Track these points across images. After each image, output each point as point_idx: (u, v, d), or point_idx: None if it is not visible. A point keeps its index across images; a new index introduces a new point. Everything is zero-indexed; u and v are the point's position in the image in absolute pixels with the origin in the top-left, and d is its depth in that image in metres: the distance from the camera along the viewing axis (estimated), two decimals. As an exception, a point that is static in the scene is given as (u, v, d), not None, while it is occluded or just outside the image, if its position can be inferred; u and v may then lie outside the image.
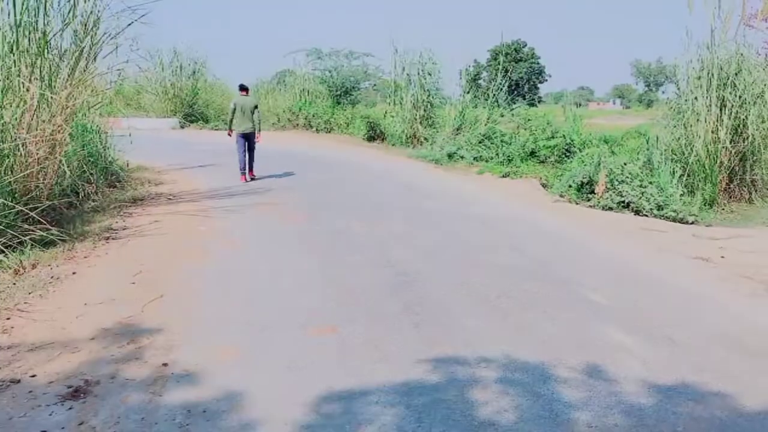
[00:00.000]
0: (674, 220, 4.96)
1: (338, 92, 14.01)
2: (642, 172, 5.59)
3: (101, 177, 5.47)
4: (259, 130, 6.78)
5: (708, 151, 5.62)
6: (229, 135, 6.83)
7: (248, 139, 6.72)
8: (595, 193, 5.49)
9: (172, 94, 15.50)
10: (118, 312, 2.64)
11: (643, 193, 5.25)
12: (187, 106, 15.60)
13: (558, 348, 2.34)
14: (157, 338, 2.39)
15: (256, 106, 6.83)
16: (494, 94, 10.19)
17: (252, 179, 6.74)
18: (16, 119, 3.83)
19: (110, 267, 3.35)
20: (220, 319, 2.65)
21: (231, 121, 6.74)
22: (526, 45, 43.44)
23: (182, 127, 14.96)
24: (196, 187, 5.97)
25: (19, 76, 3.93)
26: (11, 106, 3.84)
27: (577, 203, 5.55)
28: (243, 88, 6.98)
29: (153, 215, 4.54)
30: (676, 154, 5.95)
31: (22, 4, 3.92)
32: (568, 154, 7.72)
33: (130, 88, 14.54)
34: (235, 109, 6.71)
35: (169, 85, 15.47)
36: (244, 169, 6.66)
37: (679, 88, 6.33)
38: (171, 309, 2.73)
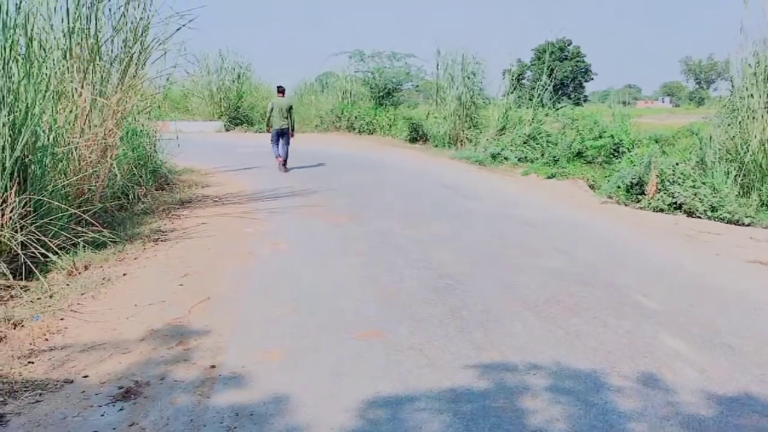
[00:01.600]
0: (729, 222, 4.78)
1: (380, 94, 14.03)
2: (694, 173, 5.41)
3: (150, 179, 5.60)
4: (293, 128, 7.79)
5: (765, 149, 5.39)
6: (268, 131, 7.83)
7: (283, 135, 7.68)
8: (645, 195, 5.34)
9: (218, 97, 15.84)
10: (167, 313, 2.68)
11: (695, 194, 5.07)
12: (232, 109, 15.89)
13: (610, 355, 2.26)
14: (204, 340, 2.41)
15: (291, 107, 7.82)
16: (539, 94, 10.03)
17: (286, 170, 7.60)
18: (69, 124, 3.95)
19: (159, 268, 3.40)
20: (265, 321, 2.66)
21: (269, 119, 7.72)
22: (571, 43, 42.74)
23: (227, 129, 15.24)
24: (241, 189, 6.05)
25: (72, 81, 4.05)
26: (65, 111, 3.96)
27: (626, 205, 5.40)
28: (280, 90, 7.92)
29: (200, 217, 4.61)
30: (730, 154, 5.73)
31: (75, 11, 4.05)
32: (616, 154, 7.53)
33: (178, 92, 14.87)
34: (272, 108, 7.67)
35: (215, 89, 15.79)
36: (279, 155, 7.66)
37: (733, 85, 6.10)
38: (218, 311, 2.76)
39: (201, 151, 8.42)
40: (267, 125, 7.83)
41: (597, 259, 3.48)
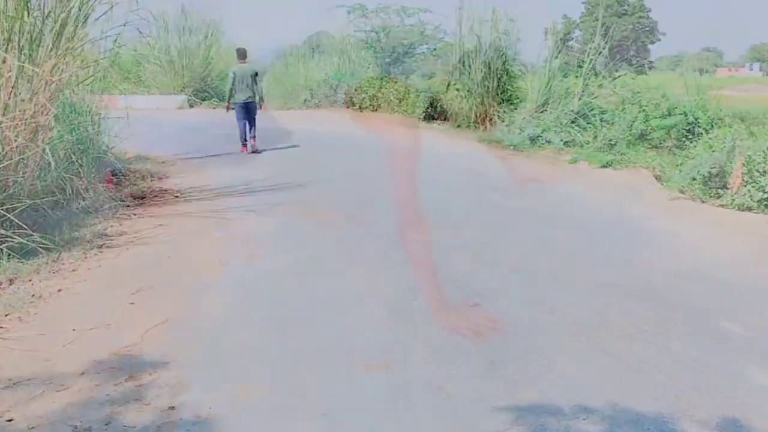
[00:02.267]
0: (839, 224, 4.77)
1: (388, 59, 14.00)
2: (793, 160, 5.39)
3: (93, 169, 5.60)
4: (262, 99, 8.09)
5: None
6: (228, 109, 7.99)
7: (248, 110, 7.88)
8: (728, 188, 5.31)
9: (180, 65, 15.81)
10: (114, 340, 2.69)
11: (794, 188, 5.06)
12: (197, 80, 15.88)
13: (682, 394, 2.26)
14: (161, 374, 2.42)
15: (256, 74, 8.03)
16: (591, 60, 9.99)
17: (256, 152, 7.85)
18: (-13, 98, 3.96)
19: (104, 283, 3.42)
20: (239, 349, 2.66)
21: (230, 91, 7.90)
22: (632, -6, 42.65)
23: (191, 105, 15.25)
24: (208, 182, 6.06)
25: (-8, 44, 4.06)
26: (-19, 82, 3.97)
27: (702, 201, 5.38)
28: (241, 55, 8.08)
29: (157, 217, 4.63)
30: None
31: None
32: (690, 136, 7.50)
33: (129, 58, 14.92)
34: (234, 78, 7.85)
35: (175, 53, 15.75)
36: (245, 140, 7.86)
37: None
38: (179, 336, 2.76)
39: (158, 134, 8.43)
40: (228, 99, 8.00)
41: (665, 273, 3.47)
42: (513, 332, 2.73)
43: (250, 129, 7.84)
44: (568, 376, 2.38)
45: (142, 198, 5.38)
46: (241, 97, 7.77)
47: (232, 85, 7.82)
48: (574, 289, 3.18)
